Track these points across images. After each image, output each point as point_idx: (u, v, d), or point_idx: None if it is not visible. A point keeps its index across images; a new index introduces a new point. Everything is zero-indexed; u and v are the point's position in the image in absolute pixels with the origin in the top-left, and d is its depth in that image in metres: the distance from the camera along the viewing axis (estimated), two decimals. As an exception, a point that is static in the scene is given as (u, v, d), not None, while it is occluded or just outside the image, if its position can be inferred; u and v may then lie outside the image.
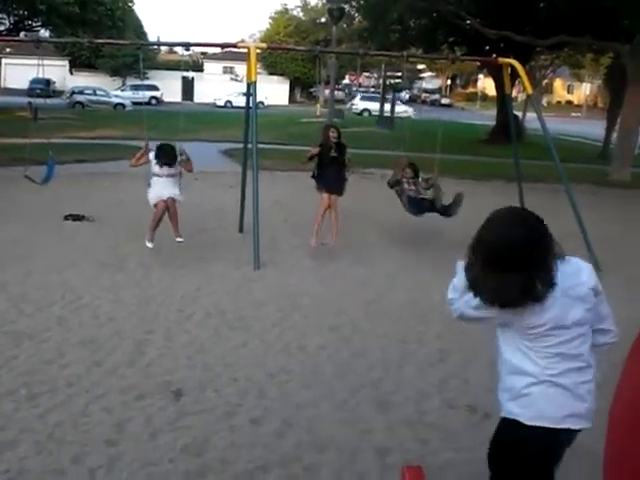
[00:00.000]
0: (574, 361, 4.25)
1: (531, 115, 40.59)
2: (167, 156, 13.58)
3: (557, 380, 4.23)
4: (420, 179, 15.10)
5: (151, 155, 13.63)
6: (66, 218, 16.58)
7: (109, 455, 6.45)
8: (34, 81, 59.43)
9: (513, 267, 4.06)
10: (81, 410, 7.30)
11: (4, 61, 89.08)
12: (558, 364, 4.23)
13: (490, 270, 4.14)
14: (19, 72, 72.93)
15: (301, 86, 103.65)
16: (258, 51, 15.63)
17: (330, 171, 14.46)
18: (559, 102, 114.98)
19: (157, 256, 13.65)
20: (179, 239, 13.71)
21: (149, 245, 13.63)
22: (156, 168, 13.56)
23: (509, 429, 4.45)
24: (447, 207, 14.66)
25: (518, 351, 4.33)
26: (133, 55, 76.50)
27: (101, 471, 6.20)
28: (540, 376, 4.25)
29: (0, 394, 7.57)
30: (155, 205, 13.57)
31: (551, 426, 4.24)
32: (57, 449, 6.52)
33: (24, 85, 67.68)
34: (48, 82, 67.17)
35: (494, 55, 36.92)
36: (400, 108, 68.56)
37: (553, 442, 4.36)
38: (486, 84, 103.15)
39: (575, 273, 4.28)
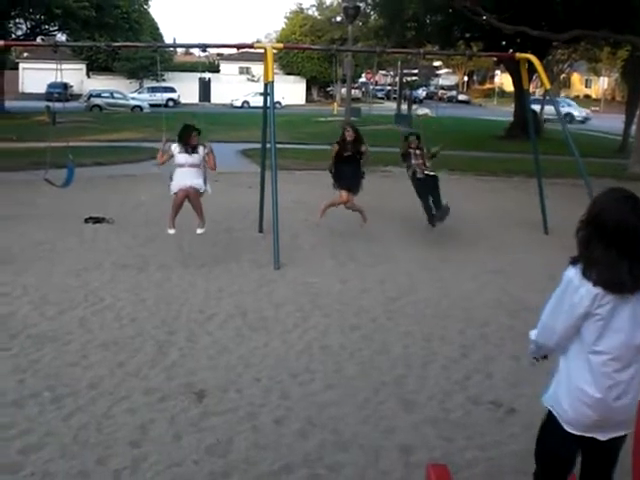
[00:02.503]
0: None
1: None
2: (186, 133, 13.57)
3: None
4: (425, 150, 15.57)
5: (173, 146, 13.58)
6: (86, 221, 16.61)
7: (133, 457, 6.46)
8: (51, 85, 59.50)
9: (630, 252, 4.14)
10: (105, 412, 7.32)
11: (22, 65, 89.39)
12: None
13: (608, 250, 4.16)
14: (37, 76, 73.05)
15: (318, 85, 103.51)
16: (274, 51, 15.65)
17: (347, 168, 14.63)
18: (577, 96, 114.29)
19: (178, 257, 13.69)
20: (199, 230, 13.70)
21: (170, 232, 13.58)
22: (179, 158, 13.47)
23: None
24: (437, 213, 14.87)
25: None
26: (150, 57, 76.64)
27: (126, 472, 6.21)
28: None
29: (24, 397, 7.60)
30: (175, 193, 13.49)
31: None
32: (81, 451, 6.53)
33: (42, 89, 67.85)
34: (65, 86, 67.26)
35: (511, 50, 36.83)
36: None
37: None
38: (503, 80, 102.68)
39: None
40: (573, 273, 4.27)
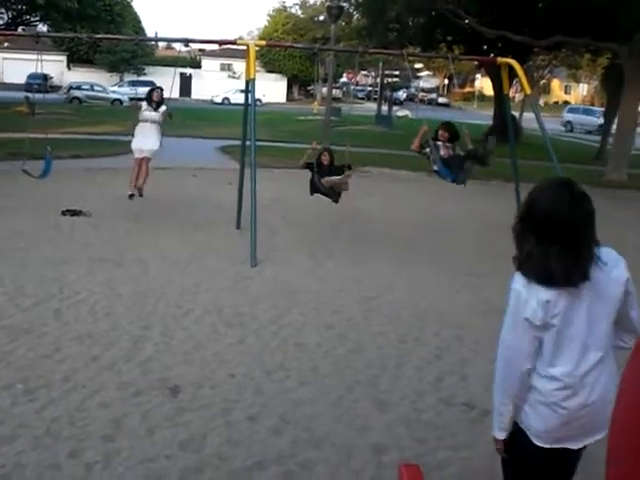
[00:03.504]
0: None
1: (528, 115, 40.59)
2: (151, 91, 16.03)
3: None
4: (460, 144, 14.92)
5: (143, 104, 15.84)
6: (63, 213, 16.55)
7: (106, 451, 6.44)
8: (31, 76, 59.26)
9: (566, 242, 3.99)
10: (78, 405, 7.29)
11: (2, 55, 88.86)
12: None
13: (543, 244, 4.03)
14: (17, 67, 72.76)
15: (299, 84, 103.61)
16: (257, 48, 15.66)
17: (327, 172, 14.45)
18: (556, 102, 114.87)
19: (154, 251, 13.66)
20: (130, 192, 15.72)
21: (130, 192, 15.56)
22: (144, 115, 15.51)
23: None
24: (483, 156, 14.53)
25: None
26: (131, 51, 76.73)
27: (98, 466, 6.19)
28: None
29: (-3, 388, 7.58)
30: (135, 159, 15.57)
31: None
32: (53, 444, 6.52)
33: (22, 80, 67.54)
34: (45, 77, 66.91)
35: (492, 55, 36.95)
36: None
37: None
38: (483, 84, 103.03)
39: (611, 264, 4.14)
40: (520, 285, 4.09)
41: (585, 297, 4.03)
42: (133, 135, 15.91)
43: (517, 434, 4.32)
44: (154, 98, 15.33)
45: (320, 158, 14.64)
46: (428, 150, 14.56)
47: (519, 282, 4.10)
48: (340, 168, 14.55)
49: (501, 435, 4.35)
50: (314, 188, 14.71)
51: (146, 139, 14.91)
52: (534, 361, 4.14)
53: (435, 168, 14.52)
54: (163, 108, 15.63)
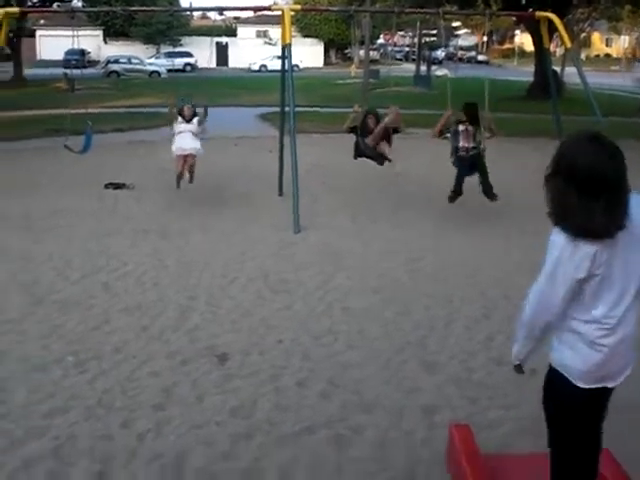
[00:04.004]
0: None
1: (570, 70, 40.10)
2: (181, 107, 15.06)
3: None
4: (482, 129, 13.97)
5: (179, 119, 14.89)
6: (106, 187, 16.68)
7: (157, 419, 6.51)
8: (69, 52, 59.43)
9: (609, 196, 3.98)
10: (128, 376, 7.37)
11: (39, 33, 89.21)
12: None
13: (586, 199, 4.00)
14: (54, 43, 72.96)
15: (336, 48, 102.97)
16: (292, 13, 15.56)
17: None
18: (597, 56, 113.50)
19: (198, 221, 13.72)
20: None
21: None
22: (178, 126, 14.72)
23: None
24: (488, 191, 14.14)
25: None
26: (166, 22, 76.62)
27: (150, 435, 6.26)
28: None
29: (48, 362, 7.67)
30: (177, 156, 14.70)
31: None
32: (106, 415, 6.59)
33: (59, 56, 67.77)
34: (83, 52, 67.06)
35: (531, 9, 36.50)
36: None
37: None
38: (523, 39, 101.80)
39: (638, 208, 4.13)
40: (563, 239, 4.10)
41: (620, 243, 4.05)
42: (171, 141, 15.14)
43: (556, 379, 4.40)
44: (185, 114, 14.87)
45: (366, 120, 14.42)
46: (449, 135, 14.20)
47: (561, 236, 4.11)
48: (386, 130, 14.34)
49: (516, 362, 4.66)
50: (359, 152, 14.49)
51: (186, 142, 14.59)
52: (561, 312, 4.24)
53: (451, 160, 14.14)
54: (196, 119, 15.05)
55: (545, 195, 4.26)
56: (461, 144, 13.84)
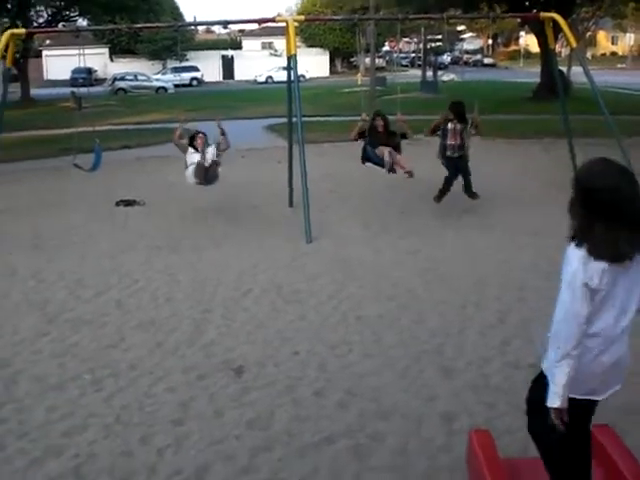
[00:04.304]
0: None
1: (576, 69, 40.04)
2: (192, 139, 14.42)
3: None
4: (468, 126, 14.54)
5: (190, 149, 14.39)
6: (117, 204, 16.70)
7: (176, 434, 6.51)
8: (76, 71, 59.94)
9: (624, 222, 4.13)
10: (145, 392, 7.38)
11: (45, 53, 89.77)
12: None
13: (602, 221, 4.15)
14: (60, 63, 73.35)
15: (341, 56, 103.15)
16: (296, 24, 15.60)
17: (380, 138, 14.31)
18: (603, 54, 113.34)
19: (210, 235, 13.73)
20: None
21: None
22: (193, 157, 14.16)
23: None
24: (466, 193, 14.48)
25: None
26: (171, 38, 76.71)
27: (169, 451, 6.25)
28: None
29: (64, 380, 7.68)
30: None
31: None
32: (124, 431, 6.60)
33: (66, 76, 68.08)
34: (89, 71, 67.56)
35: (535, 10, 36.48)
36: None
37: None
38: (528, 41, 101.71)
39: None
40: (579, 256, 4.21)
41: (626, 271, 4.23)
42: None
43: (548, 386, 4.43)
44: (199, 145, 14.33)
45: (374, 124, 14.55)
46: (439, 133, 14.72)
47: (576, 251, 4.23)
48: (394, 134, 14.49)
49: (564, 403, 4.36)
50: (366, 156, 14.61)
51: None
52: (586, 324, 4.28)
53: (440, 160, 14.80)
54: (211, 148, 14.46)
55: (570, 220, 4.37)
56: (449, 142, 14.42)
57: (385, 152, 14.13)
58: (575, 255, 4.24)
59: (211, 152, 14.28)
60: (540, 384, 4.55)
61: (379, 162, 14.38)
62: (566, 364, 4.30)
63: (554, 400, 4.34)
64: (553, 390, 4.35)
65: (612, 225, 4.12)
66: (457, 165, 14.49)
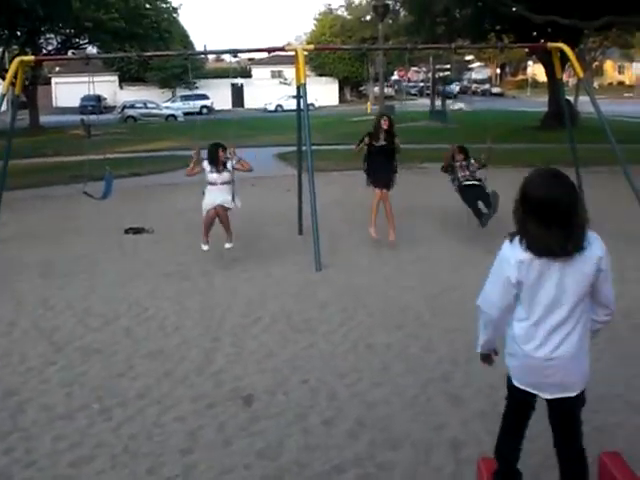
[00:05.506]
0: None
1: (583, 98, 40.08)
2: (213, 153, 13.83)
3: None
4: (472, 161, 15.16)
5: (205, 163, 13.87)
6: (126, 232, 16.72)
7: (184, 464, 6.48)
8: (85, 98, 60.13)
9: (554, 222, 4.68)
10: (154, 421, 7.36)
11: (54, 80, 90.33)
12: None
13: (534, 221, 4.73)
14: (69, 90, 73.73)
15: (350, 85, 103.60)
16: (305, 53, 15.65)
17: (378, 163, 14.53)
18: (610, 84, 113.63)
19: (219, 263, 13.72)
20: (227, 245, 13.91)
21: (204, 248, 13.72)
22: (210, 176, 13.76)
23: None
24: (489, 211, 14.51)
25: None
26: (181, 66, 77.08)
27: (178, 481, 6.23)
28: None
29: (73, 409, 7.66)
30: (208, 211, 13.69)
31: None
32: (132, 461, 6.57)
33: (75, 103, 68.36)
34: (99, 98, 67.80)
35: (542, 40, 36.58)
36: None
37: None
38: (536, 70, 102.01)
39: (588, 244, 4.78)
40: (505, 247, 4.98)
41: (556, 267, 4.78)
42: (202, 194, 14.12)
43: (508, 375, 5.35)
44: (221, 159, 13.82)
45: (379, 122, 14.79)
46: (452, 176, 15.31)
47: (505, 245, 4.99)
48: (393, 136, 14.73)
49: (480, 350, 5.59)
50: (365, 168, 15.15)
51: (217, 197, 13.70)
52: (506, 312, 5.08)
53: (455, 189, 15.20)
54: (230, 165, 13.97)
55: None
56: (461, 174, 14.97)
57: (379, 196, 14.83)
58: (503, 247, 5.00)
59: (228, 168, 13.91)
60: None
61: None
62: (484, 330, 5.38)
63: (477, 347, 5.56)
64: (478, 341, 5.49)
65: (542, 224, 4.69)
66: (474, 190, 14.75)
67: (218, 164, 13.78)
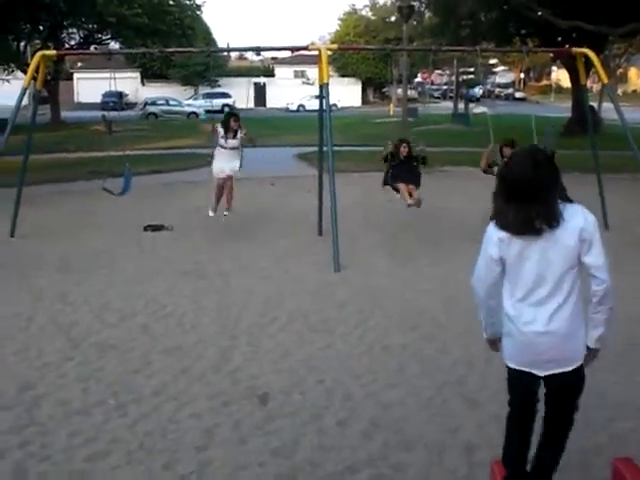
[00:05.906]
0: None
1: (607, 105, 39.92)
2: (227, 121, 15.70)
3: None
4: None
5: (220, 129, 15.63)
6: (145, 229, 16.75)
7: (199, 461, 6.49)
8: (107, 94, 60.24)
9: (522, 200, 4.83)
10: (169, 418, 7.37)
11: (76, 76, 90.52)
12: None
13: (507, 201, 4.94)
14: (91, 86, 73.75)
15: (373, 86, 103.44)
16: (329, 53, 15.67)
17: (403, 168, 14.62)
18: (634, 91, 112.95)
19: (237, 262, 13.76)
20: (225, 213, 15.52)
21: (210, 214, 15.54)
22: (221, 141, 15.44)
23: None
24: None
25: None
26: (204, 63, 77.23)
27: (192, 477, 6.25)
28: None
29: (89, 405, 7.68)
30: (218, 179, 15.79)
31: None
32: (147, 458, 6.58)
33: (97, 99, 68.53)
34: (121, 95, 67.95)
35: (567, 46, 36.48)
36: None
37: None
38: (560, 76, 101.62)
39: (570, 217, 4.87)
40: (490, 226, 5.15)
41: (538, 243, 4.90)
42: (211, 157, 16.02)
43: (506, 364, 5.38)
44: (232, 127, 15.51)
45: (398, 148, 15.13)
46: (495, 169, 14.52)
47: (489, 226, 5.16)
48: (415, 158, 15.05)
49: (485, 336, 5.73)
50: (386, 180, 15.33)
51: (227, 163, 15.24)
52: (493, 290, 5.31)
53: None
54: (240, 134, 15.68)
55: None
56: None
57: (404, 190, 14.93)
58: (490, 227, 5.15)
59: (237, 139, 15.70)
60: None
61: (396, 189, 15.20)
62: (480, 313, 5.61)
63: (483, 333, 5.71)
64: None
65: (520, 204, 4.84)
66: None
67: (229, 131, 15.58)
